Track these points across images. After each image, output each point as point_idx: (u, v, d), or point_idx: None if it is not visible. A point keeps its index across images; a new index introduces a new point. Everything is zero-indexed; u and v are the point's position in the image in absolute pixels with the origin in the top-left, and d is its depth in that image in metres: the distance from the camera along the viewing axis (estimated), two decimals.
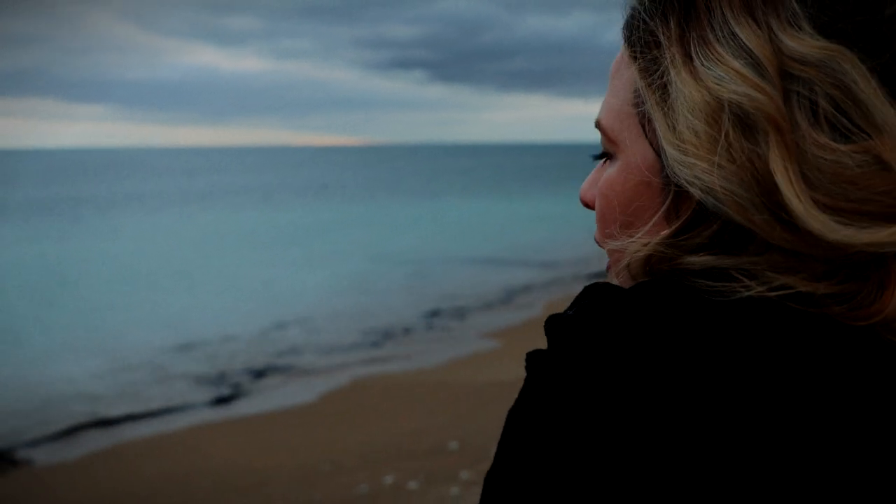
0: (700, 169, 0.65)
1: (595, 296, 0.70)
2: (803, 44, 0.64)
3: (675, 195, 0.70)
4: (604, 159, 0.80)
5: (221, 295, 18.18)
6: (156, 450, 8.57)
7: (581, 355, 0.64)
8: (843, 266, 0.65)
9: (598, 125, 0.78)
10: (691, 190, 0.66)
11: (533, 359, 0.68)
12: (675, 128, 0.67)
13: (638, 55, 0.72)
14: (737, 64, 0.65)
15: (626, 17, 0.75)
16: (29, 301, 17.73)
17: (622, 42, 0.76)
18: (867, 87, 0.63)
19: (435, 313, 15.57)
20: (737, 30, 0.66)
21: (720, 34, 0.66)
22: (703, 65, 0.66)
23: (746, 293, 0.65)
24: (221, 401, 10.62)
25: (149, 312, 16.49)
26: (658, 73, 0.69)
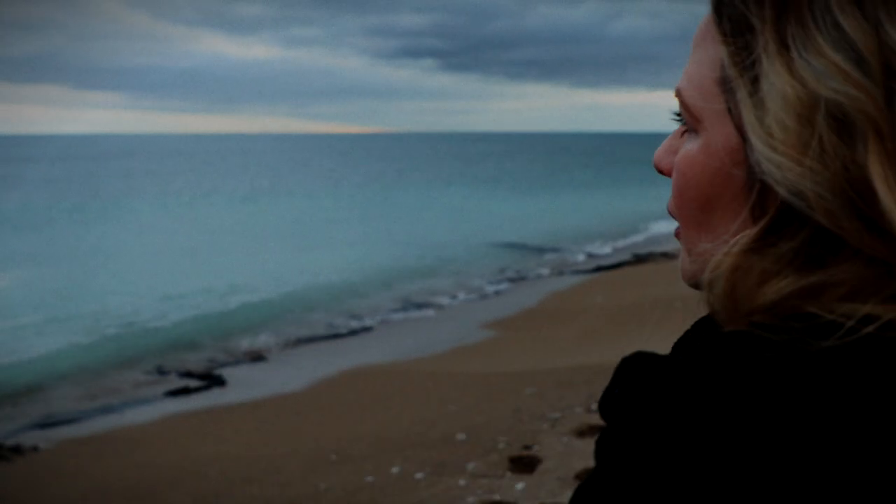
0: (789, 169, 0.60)
1: (638, 374, 0.63)
2: None
3: (759, 191, 0.65)
4: (683, 129, 0.75)
5: (222, 279, 18.21)
6: (160, 437, 8.59)
7: (648, 443, 0.59)
8: None
9: (678, 95, 0.73)
10: (778, 189, 0.61)
11: (602, 445, 0.63)
12: (763, 121, 0.62)
13: (728, 35, 0.66)
14: (838, 58, 0.59)
15: None
16: (27, 286, 17.82)
17: (710, 10, 0.69)
18: None
19: (431, 301, 15.59)
20: (840, 19, 0.60)
21: (821, 23, 0.61)
22: (800, 56, 0.61)
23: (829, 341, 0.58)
24: (222, 385, 10.67)
25: (148, 294, 16.54)
26: (749, 60, 0.64)
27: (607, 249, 22.06)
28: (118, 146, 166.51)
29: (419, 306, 15.23)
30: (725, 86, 0.67)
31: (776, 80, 0.61)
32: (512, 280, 17.82)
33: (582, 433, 7.17)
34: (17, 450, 8.48)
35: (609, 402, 0.64)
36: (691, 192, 0.71)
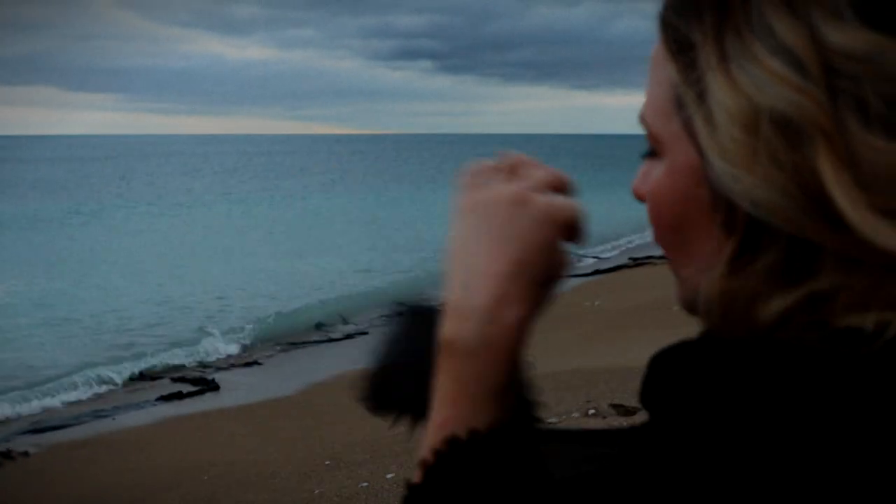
0: (745, 180, 0.60)
1: (686, 372, 0.62)
2: (849, 37, 0.59)
3: (727, 207, 0.64)
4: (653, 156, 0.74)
5: (216, 283, 18.20)
6: (154, 441, 8.54)
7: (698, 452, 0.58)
8: None
9: (641, 121, 0.73)
10: (740, 202, 0.61)
11: (644, 437, 0.63)
12: (714, 136, 0.62)
13: (675, 54, 0.67)
14: (775, 64, 0.59)
15: (660, 8, 0.69)
16: (20, 289, 17.80)
17: (659, 33, 0.70)
18: None
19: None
20: (774, 24, 0.60)
21: (757, 30, 0.61)
22: (739, 66, 0.61)
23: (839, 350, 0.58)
24: (216, 390, 10.64)
25: (140, 298, 16.52)
26: (695, 76, 0.64)
27: (611, 252, 21.96)
28: (113, 147, 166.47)
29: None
30: (679, 105, 0.67)
31: (719, 94, 0.62)
32: None
33: None
34: (7, 455, 8.41)
35: (656, 396, 0.63)
36: (664, 219, 0.71)
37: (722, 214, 0.64)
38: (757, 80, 0.60)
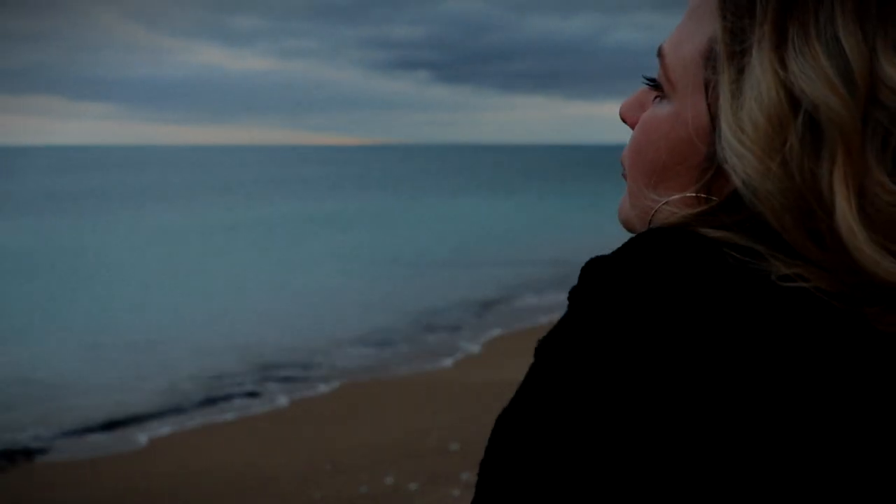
0: (751, 166, 0.61)
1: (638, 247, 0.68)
2: None
3: (715, 171, 0.67)
4: (656, 92, 0.75)
5: (220, 292, 18.11)
6: (156, 450, 8.56)
7: (617, 299, 0.65)
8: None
9: (660, 54, 0.73)
10: (734, 178, 0.63)
11: (576, 295, 0.70)
12: (737, 113, 0.63)
13: (728, 14, 0.66)
14: (829, 68, 0.60)
15: None
16: (33, 294, 17.74)
17: None
18: None
19: (431, 313, 15.55)
20: (841, 35, 0.61)
21: (823, 32, 0.61)
22: (794, 56, 0.61)
23: (775, 272, 0.62)
24: (218, 400, 10.62)
25: (149, 310, 16.45)
26: (741, 47, 0.64)
27: None
28: (114, 157, 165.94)
29: (418, 316, 15.16)
30: (710, 62, 0.67)
31: (761, 78, 0.62)
32: (516, 291, 17.80)
33: None
34: (12, 460, 8.43)
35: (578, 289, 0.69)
36: (650, 154, 0.72)
37: (707, 178, 0.67)
38: (806, 74, 0.60)
